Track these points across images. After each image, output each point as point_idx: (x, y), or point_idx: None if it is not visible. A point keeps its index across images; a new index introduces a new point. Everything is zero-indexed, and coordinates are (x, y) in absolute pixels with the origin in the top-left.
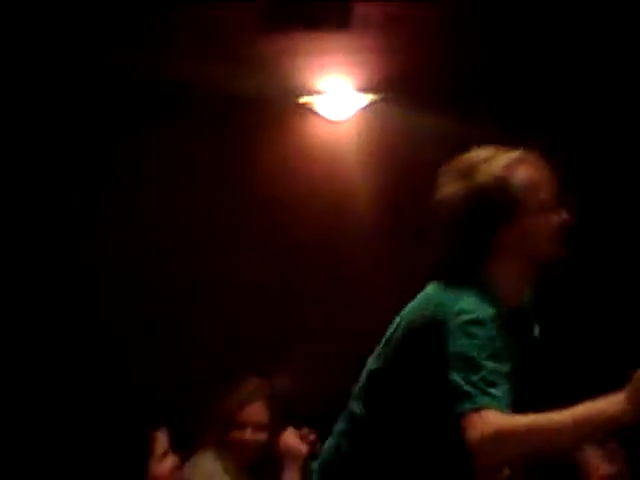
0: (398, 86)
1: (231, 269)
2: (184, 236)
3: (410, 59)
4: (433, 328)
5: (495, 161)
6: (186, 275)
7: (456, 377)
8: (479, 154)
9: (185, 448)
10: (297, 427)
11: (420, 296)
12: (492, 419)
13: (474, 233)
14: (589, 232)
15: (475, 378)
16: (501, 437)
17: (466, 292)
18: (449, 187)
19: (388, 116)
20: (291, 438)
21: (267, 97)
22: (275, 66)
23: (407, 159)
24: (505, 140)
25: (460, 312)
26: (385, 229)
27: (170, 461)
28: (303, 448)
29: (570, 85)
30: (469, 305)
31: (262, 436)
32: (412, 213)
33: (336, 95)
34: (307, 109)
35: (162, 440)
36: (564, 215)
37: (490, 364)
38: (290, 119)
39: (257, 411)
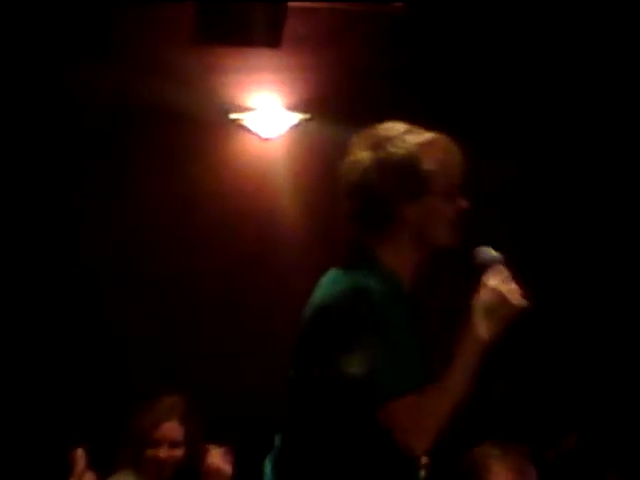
0: (328, 105)
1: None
2: (129, 246)
3: (340, 78)
4: (330, 314)
5: (410, 137)
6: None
7: (359, 367)
8: (395, 127)
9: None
10: (218, 445)
11: (318, 286)
12: (404, 404)
13: (377, 204)
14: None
15: (380, 365)
16: (417, 420)
17: (362, 274)
18: (361, 155)
19: (318, 134)
20: (217, 458)
21: (198, 113)
22: (206, 82)
23: (336, 177)
24: None
25: (358, 294)
26: (313, 245)
27: None
28: (228, 468)
29: (503, 96)
30: (367, 286)
31: (178, 453)
32: (341, 231)
33: (267, 113)
34: (238, 126)
35: (81, 458)
36: (464, 204)
37: (394, 343)
38: (221, 135)
39: (172, 428)
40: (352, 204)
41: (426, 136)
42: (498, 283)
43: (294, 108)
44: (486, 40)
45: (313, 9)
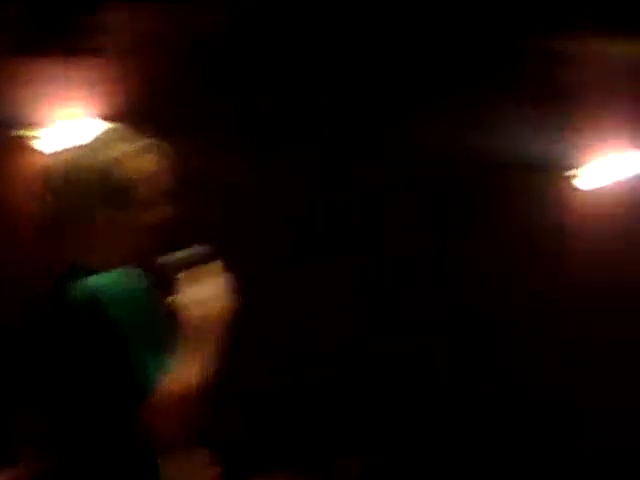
0: (130, 116)
1: None
2: None
3: (143, 88)
4: (91, 314)
5: (118, 145)
6: None
7: (132, 359)
8: (107, 136)
9: None
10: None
11: (71, 294)
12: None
13: (81, 211)
14: None
15: (150, 357)
16: (173, 405)
17: (113, 274)
18: (67, 160)
19: None
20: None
21: None
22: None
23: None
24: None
25: (115, 290)
26: None
27: None
28: None
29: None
30: (122, 282)
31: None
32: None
33: (63, 124)
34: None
35: None
36: (169, 211)
37: (155, 334)
38: (11, 151)
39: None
40: (49, 206)
41: (133, 145)
42: (197, 292)
43: (107, 118)
44: (301, 49)
45: (122, 19)
